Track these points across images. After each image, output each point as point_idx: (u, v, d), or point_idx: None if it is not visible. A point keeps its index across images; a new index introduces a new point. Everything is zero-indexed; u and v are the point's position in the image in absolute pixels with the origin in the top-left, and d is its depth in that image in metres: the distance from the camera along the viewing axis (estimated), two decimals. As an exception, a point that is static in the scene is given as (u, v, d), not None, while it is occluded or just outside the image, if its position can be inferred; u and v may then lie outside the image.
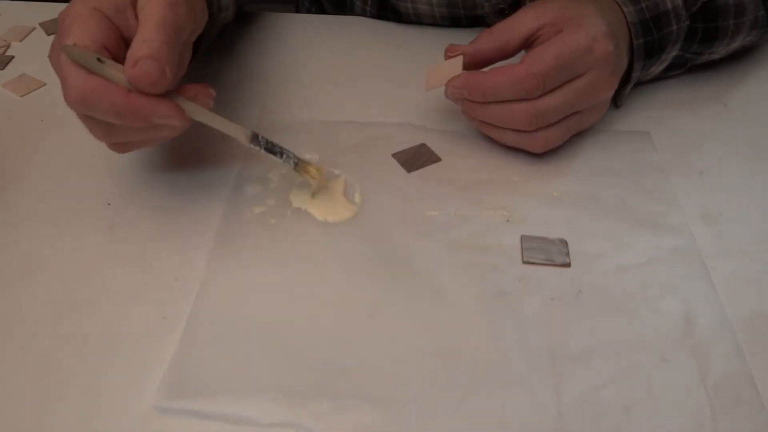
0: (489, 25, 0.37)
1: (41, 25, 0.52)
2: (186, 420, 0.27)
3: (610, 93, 0.37)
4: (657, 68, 0.41)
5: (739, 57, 0.46)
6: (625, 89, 0.40)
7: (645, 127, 0.41)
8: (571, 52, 0.33)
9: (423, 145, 0.40)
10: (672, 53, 0.40)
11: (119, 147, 0.33)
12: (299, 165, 0.35)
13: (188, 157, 0.40)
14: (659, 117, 0.42)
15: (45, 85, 0.46)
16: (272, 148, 0.34)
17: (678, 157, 0.39)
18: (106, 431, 0.27)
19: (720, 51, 0.42)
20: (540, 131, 0.36)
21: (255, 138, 0.34)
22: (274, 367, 0.29)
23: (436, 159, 0.39)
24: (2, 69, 0.47)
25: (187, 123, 0.30)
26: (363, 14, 0.53)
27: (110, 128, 0.31)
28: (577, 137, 0.40)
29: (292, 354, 0.29)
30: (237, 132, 0.33)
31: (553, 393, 0.28)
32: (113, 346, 0.30)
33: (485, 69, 0.36)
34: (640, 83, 0.42)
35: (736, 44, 0.42)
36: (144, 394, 0.28)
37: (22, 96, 0.45)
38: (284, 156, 0.35)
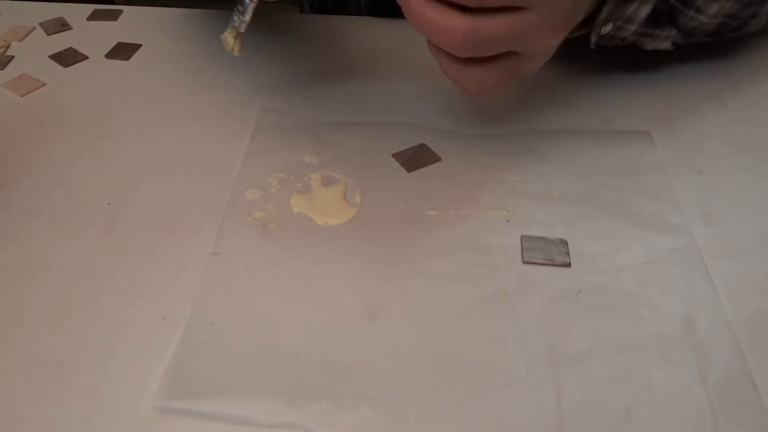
0: None
1: (41, 25, 0.52)
2: (186, 420, 0.27)
3: (556, 41, 0.33)
4: (638, 9, 0.38)
5: (739, 57, 0.46)
6: (597, 28, 0.37)
7: (645, 127, 0.41)
8: None
9: (423, 145, 0.40)
10: None
11: None
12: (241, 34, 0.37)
13: (189, 158, 0.40)
14: (659, 117, 0.42)
15: (45, 85, 0.46)
16: None
17: (678, 157, 0.39)
18: (106, 431, 0.27)
19: (708, 8, 0.39)
20: (475, 67, 0.32)
21: None
22: (274, 367, 0.29)
23: (436, 159, 0.39)
24: (2, 69, 0.47)
25: None
26: (358, 10, 0.52)
27: None
28: (577, 138, 0.40)
29: (292, 354, 0.29)
30: None
31: (553, 393, 0.28)
32: (113, 346, 0.30)
33: None
34: (631, 68, 0.40)
35: None
36: (144, 394, 0.28)
37: (22, 96, 0.45)
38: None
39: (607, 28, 0.38)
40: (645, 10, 0.39)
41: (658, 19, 0.40)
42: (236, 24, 0.36)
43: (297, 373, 0.29)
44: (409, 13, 0.32)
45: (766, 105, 0.43)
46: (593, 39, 0.39)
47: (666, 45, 0.42)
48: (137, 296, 0.32)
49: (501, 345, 0.30)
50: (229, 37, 0.37)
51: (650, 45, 0.42)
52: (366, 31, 0.51)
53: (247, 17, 0.36)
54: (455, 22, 0.30)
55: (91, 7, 0.54)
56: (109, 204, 0.37)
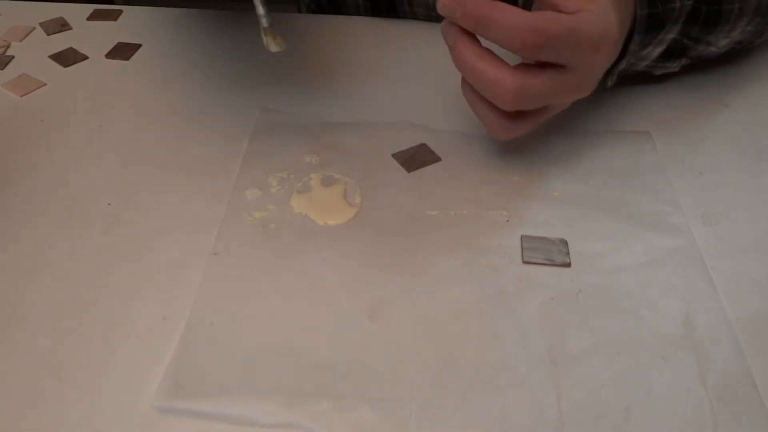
0: None
1: (41, 25, 0.52)
2: (186, 420, 0.27)
3: (584, 96, 0.35)
4: (653, 51, 0.39)
5: (739, 57, 0.46)
6: (620, 65, 0.38)
7: (645, 127, 0.41)
8: (582, 37, 0.31)
9: (423, 145, 0.40)
10: (671, 34, 0.39)
11: None
12: (268, 29, 0.36)
13: (189, 158, 0.40)
14: (659, 117, 0.42)
15: (45, 85, 0.46)
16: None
17: (678, 157, 0.39)
18: (106, 431, 0.27)
19: (719, 42, 0.41)
20: (512, 120, 0.34)
21: None
22: (274, 367, 0.29)
23: (436, 159, 0.39)
24: (2, 69, 0.47)
25: None
26: (356, 9, 0.52)
27: None
28: (577, 138, 0.40)
29: (292, 355, 0.29)
30: None
31: (553, 393, 0.28)
32: (113, 346, 0.30)
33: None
34: (635, 78, 0.41)
35: (736, 32, 0.40)
36: (143, 395, 0.28)
37: (22, 96, 0.45)
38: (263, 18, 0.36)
39: (621, 66, 0.39)
40: (658, 51, 0.40)
41: (670, 54, 0.41)
42: (262, 22, 0.36)
43: (297, 373, 0.29)
44: (462, 66, 0.33)
45: (766, 105, 0.43)
46: (609, 82, 0.40)
47: (674, 69, 0.43)
48: (137, 296, 0.32)
49: (501, 345, 0.30)
50: (264, 38, 0.37)
51: (659, 72, 0.43)
52: (366, 31, 0.51)
53: (261, 11, 0.36)
54: (507, 78, 0.31)
55: (91, 7, 0.54)
56: (109, 204, 0.37)
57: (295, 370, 0.29)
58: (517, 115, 0.34)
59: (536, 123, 0.35)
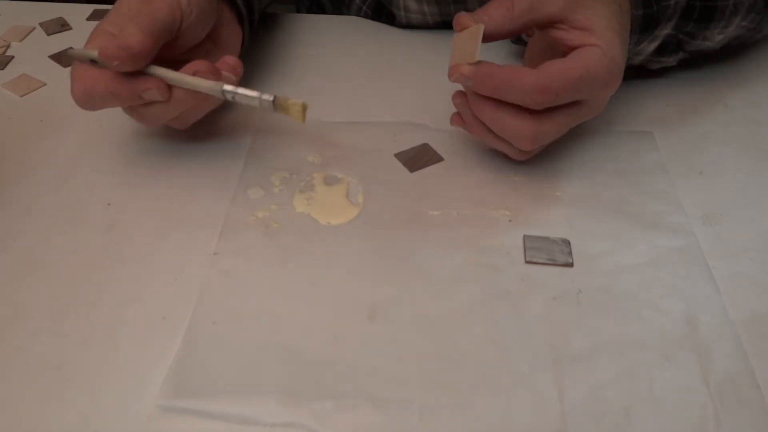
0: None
1: (41, 25, 0.52)
2: (188, 419, 0.27)
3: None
4: (648, 46, 0.39)
5: (740, 57, 0.47)
6: None
7: (646, 128, 0.41)
8: (591, 80, 0.32)
9: (425, 145, 0.40)
10: (665, 30, 0.39)
11: (174, 122, 0.37)
12: (277, 101, 0.33)
13: (190, 158, 0.39)
14: (660, 117, 0.42)
15: (45, 85, 0.46)
16: (244, 93, 0.33)
17: (678, 157, 0.39)
18: (106, 431, 0.27)
19: (714, 37, 0.41)
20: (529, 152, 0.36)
21: (225, 92, 0.34)
22: (277, 366, 0.29)
23: (439, 159, 0.39)
24: (2, 69, 0.47)
25: (167, 92, 0.34)
26: (359, 13, 0.53)
27: (137, 113, 0.36)
28: (579, 138, 0.40)
29: (295, 354, 0.29)
30: (211, 88, 0.34)
31: (556, 393, 0.28)
32: (113, 346, 0.30)
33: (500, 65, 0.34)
34: (634, 73, 0.40)
35: (731, 29, 0.41)
36: (143, 394, 0.28)
37: (22, 96, 0.45)
38: (261, 96, 0.33)
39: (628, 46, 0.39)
40: (653, 46, 0.40)
41: (665, 49, 0.41)
42: (264, 103, 0.33)
43: (299, 373, 0.29)
44: (482, 115, 0.35)
45: (766, 105, 0.43)
46: None
47: (671, 63, 0.43)
48: (137, 296, 0.32)
49: (503, 345, 0.30)
50: (284, 113, 0.34)
51: (656, 67, 0.43)
52: (369, 32, 0.51)
53: (254, 93, 0.33)
54: (526, 127, 0.33)
55: (91, 7, 0.54)
56: (109, 204, 0.36)
57: (298, 369, 0.29)
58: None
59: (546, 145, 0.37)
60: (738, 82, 0.45)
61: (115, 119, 0.43)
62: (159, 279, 0.32)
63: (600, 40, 0.32)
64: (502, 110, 0.33)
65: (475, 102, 0.34)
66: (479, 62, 0.32)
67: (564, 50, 0.33)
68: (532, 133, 0.33)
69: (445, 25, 0.50)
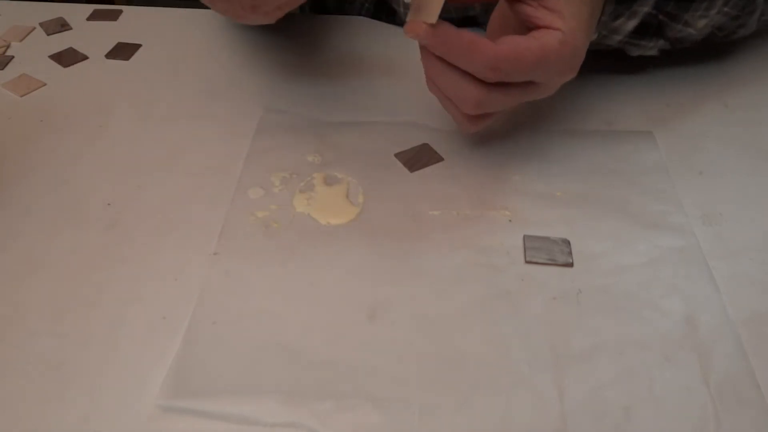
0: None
1: (41, 25, 0.52)
2: (188, 419, 0.27)
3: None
4: (626, 23, 0.38)
5: (739, 57, 0.47)
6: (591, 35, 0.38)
7: (645, 127, 0.41)
8: (547, 66, 0.32)
9: (425, 145, 0.40)
10: (645, 8, 0.38)
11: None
12: None
13: (190, 158, 0.40)
14: (659, 117, 0.42)
15: (45, 85, 0.46)
16: None
17: (678, 157, 0.39)
18: (107, 431, 0.27)
19: (696, 22, 0.40)
20: (478, 119, 0.35)
21: None
22: (277, 366, 0.29)
23: (439, 159, 0.39)
24: (2, 69, 0.47)
25: None
26: (360, 9, 0.53)
27: None
28: (579, 138, 0.40)
29: (295, 354, 0.29)
30: None
31: (556, 393, 0.28)
32: (113, 346, 0.30)
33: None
34: (629, 70, 0.40)
35: (714, 11, 0.39)
36: (143, 394, 0.28)
37: (22, 96, 0.45)
38: None
39: (593, 37, 0.38)
40: (631, 24, 0.39)
41: (645, 31, 0.40)
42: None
43: (299, 373, 0.29)
44: (431, 71, 0.34)
45: (766, 105, 0.43)
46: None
47: (652, 52, 0.42)
48: (137, 296, 0.32)
49: (503, 345, 0.30)
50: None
51: (635, 52, 0.42)
52: (369, 32, 0.51)
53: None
54: (472, 90, 0.32)
55: (91, 7, 0.54)
56: (109, 204, 0.36)
57: (298, 369, 0.29)
58: (480, 117, 0.35)
59: (497, 118, 0.36)
60: (738, 82, 0.45)
61: (115, 119, 0.43)
62: (159, 279, 0.32)
63: (565, 26, 0.31)
64: (451, 70, 0.32)
65: (427, 57, 0.33)
66: (438, 23, 0.31)
67: (528, 26, 0.32)
68: (477, 96, 0.32)
69: None
